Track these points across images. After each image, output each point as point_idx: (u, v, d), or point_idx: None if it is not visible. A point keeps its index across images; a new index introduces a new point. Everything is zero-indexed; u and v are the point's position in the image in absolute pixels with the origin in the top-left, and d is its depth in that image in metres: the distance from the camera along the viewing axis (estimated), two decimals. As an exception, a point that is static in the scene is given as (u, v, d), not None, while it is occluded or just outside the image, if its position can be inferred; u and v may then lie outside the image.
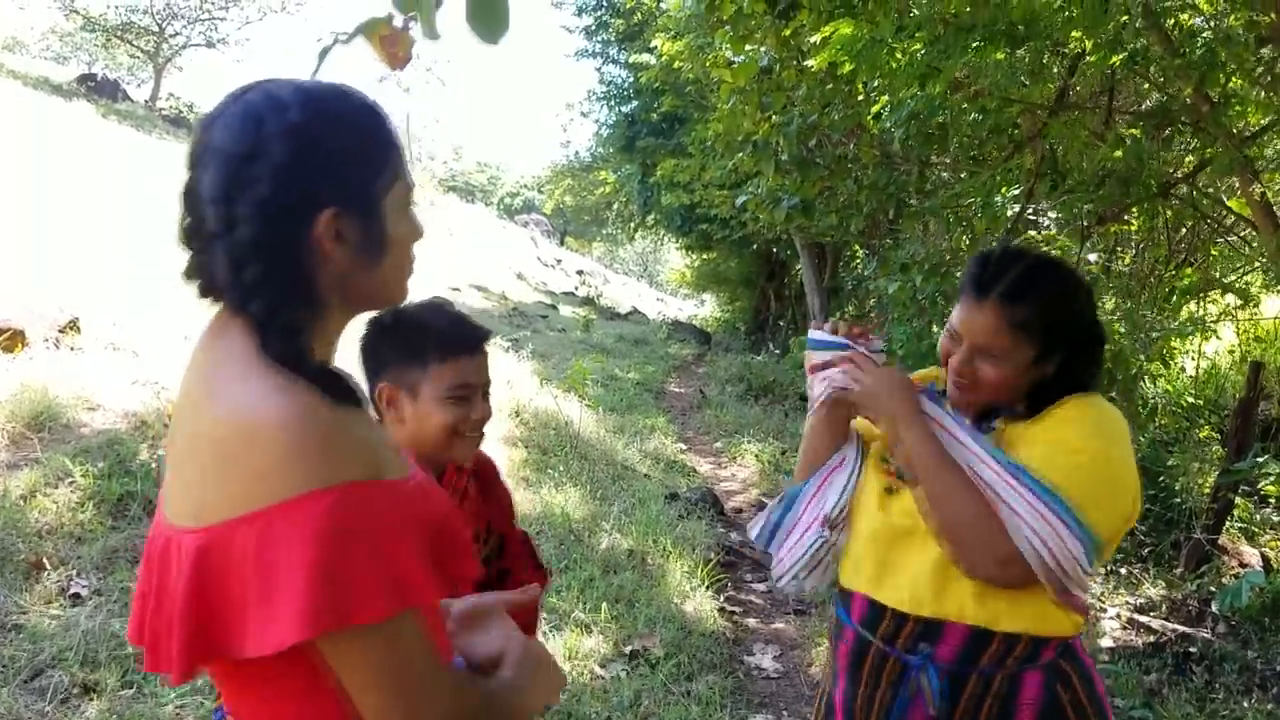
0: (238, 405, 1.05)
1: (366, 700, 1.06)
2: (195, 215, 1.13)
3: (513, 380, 8.96)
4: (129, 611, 1.35)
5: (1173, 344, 7.05)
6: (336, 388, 1.10)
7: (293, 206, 1.10)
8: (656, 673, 3.84)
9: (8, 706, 2.85)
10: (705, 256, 24.08)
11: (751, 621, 4.89)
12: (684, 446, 9.21)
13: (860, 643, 1.80)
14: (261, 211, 1.08)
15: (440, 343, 1.76)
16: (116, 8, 26.16)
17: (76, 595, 3.50)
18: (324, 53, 1.68)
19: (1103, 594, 5.35)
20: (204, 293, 1.15)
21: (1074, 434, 1.67)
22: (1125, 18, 4.40)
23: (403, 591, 1.05)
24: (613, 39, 19.13)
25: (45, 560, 3.62)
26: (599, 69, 20.41)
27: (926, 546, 1.71)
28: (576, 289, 28.51)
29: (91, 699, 2.96)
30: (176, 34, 27.00)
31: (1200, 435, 7.18)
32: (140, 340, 6.18)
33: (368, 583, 1.02)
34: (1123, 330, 6.39)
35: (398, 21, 1.66)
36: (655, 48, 10.26)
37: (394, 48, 1.63)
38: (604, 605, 4.35)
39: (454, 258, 21.17)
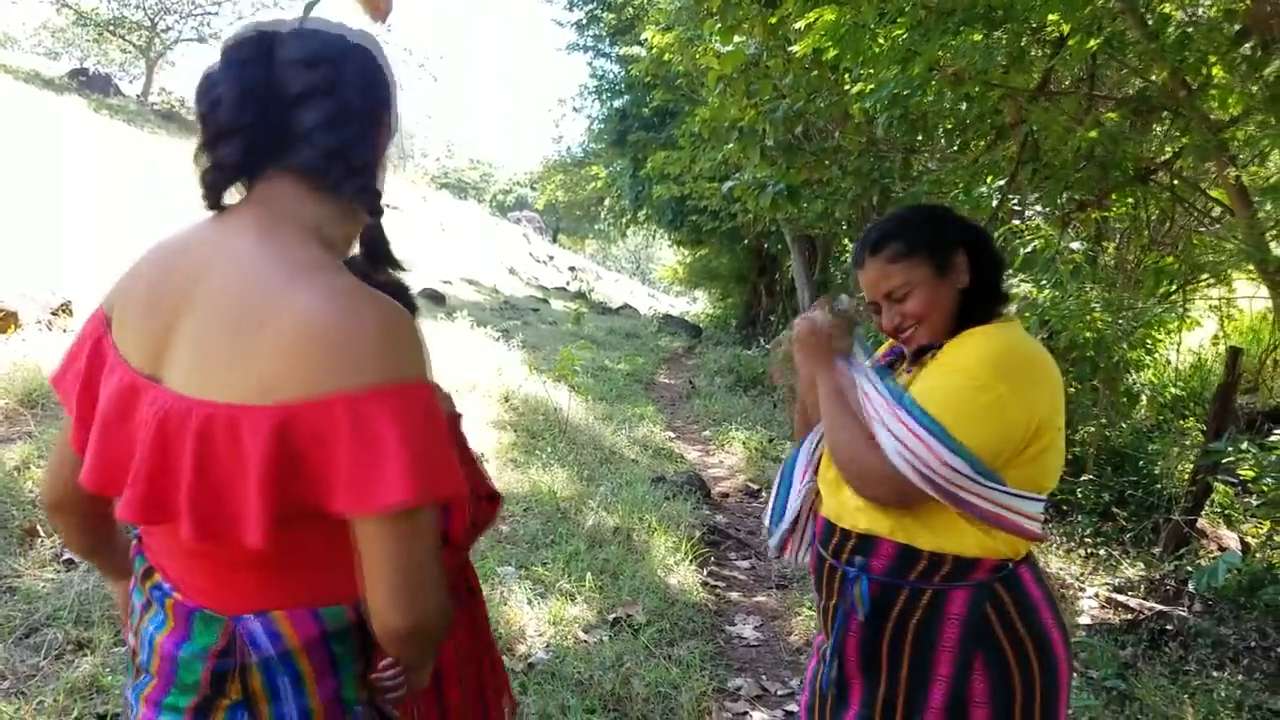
0: (326, 296, 1.14)
1: (390, 585, 1.14)
2: (266, 88, 1.23)
3: (502, 368, 9.03)
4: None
5: (1156, 334, 7.13)
6: (405, 297, 1.29)
7: (375, 86, 1.32)
8: (639, 637, 3.91)
9: (4, 661, 2.91)
10: (697, 252, 24.13)
11: (734, 595, 4.97)
12: (672, 434, 9.29)
13: (819, 557, 1.98)
14: (363, 77, 1.30)
15: None
16: (109, 2, 26.15)
17: (70, 561, 3.56)
18: (310, 5, 1.75)
19: (1081, 574, 5.44)
20: (221, 180, 1.24)
21: (960, 362, 1.79)
22: (1102, 1, 4.48)
23: (459, 480, 1.18)
24: (604, 33, 19.19)
25: (39, 527, 3.69)
26: (590, 63, 20.49)
27: None
28: (568, 284, 28.63)
29: (85, 654, 3.02)
30: (168, 29, 26.96)
31: (1184, 425, 7.26)
32: (132, 323, 6.23)
33: (444, 468, 1.15)
34: (1105, 319, 6.48)
35: (379, -25, 1.73)
36: (646, 40, 10.31)
37: None
38: (589, 576, 4.42)
39: (446, 253, 21.25)
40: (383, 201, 1.36)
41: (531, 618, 3.96)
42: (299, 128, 1.23)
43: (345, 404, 1.09)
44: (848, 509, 1.90)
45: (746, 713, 3.65)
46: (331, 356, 1.10)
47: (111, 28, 26.73)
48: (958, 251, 1.87)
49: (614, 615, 4.14)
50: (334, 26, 1.30)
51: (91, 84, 22.96)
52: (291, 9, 28.46)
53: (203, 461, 1.14)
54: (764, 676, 3.99)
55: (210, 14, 26.91)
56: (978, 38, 4.88)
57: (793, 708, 3.72)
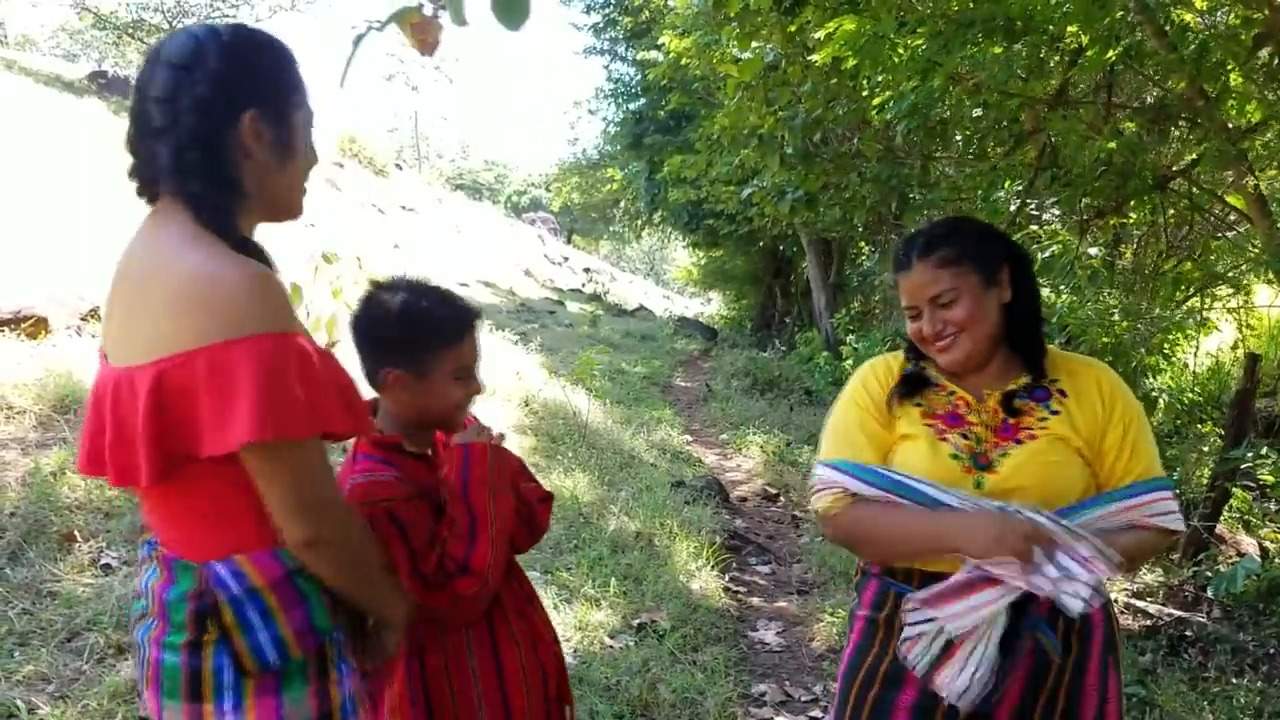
0: (198, 263, 1.33)
1: (282, 506, 1.37)
2: (142, 120, 1.42)
3: (521, 372, 9.09)
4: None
5: (1174, 340, 7.14)
6: (260, 256, 1.44)
7: (224, 103, 1.41)
8: (663, 643, 3.97)
9: (48, 665, 2.99)
10: (712, 254, 24.16)
11: (755, 600, 5.02)
12: (690, 438, 9.34)
13: None
14: (199, 107, 1.38)
15: (446, 331, 1.88)
16: (128, 5, 26.27)
17: (107, 565, 3.64)
18: (359, 39, 1.81)
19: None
20: (142, 190, 1.46)
21: (1129, 409, 1.87)
22: (1120, 12, 4.51)
23: (321, 417, 1.37)
24: (621, 36, 19.23)
25: (76, 533, 3.76)
26: (607, 66, 20.53)
27: None
28: (584, 286, 28.66)
29: (126, 659, 3.09)
30: (187, 32, 27.09)
31: (1203, 430, 7.26)
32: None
33: (297, 406, 1.33)
34: (1124, 324, 6.49)
35: (427, 10, 1.79)
36: (663, 45, 10.35)
37: (424, 34, 1.76)
38: (612, 581, 4.48)
39: (462, 255, 21.32)
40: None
41: (558, 623, 4.00)
42: (160, 163, 1.42)
43: (206, 357, 1.28)
44: None
45: (771, 719, 3.71)
46: (197, 314, 1.29)
47: (130, 30, 26.86)
48: (1004, 266, 1.89)
49: (638, 620, 4.19)
50: (200, 33, 1.43)
51: (111, 86, 23.02)
52: (305, 10, 28.56)
53: (115, 419, 1.35)
54: (788, 682, 4.04)
55: (228, 17, 27.04)
56: (997, 50, 4.91)
57: (817, 714, 3.77)
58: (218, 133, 1.41)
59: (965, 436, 1.89)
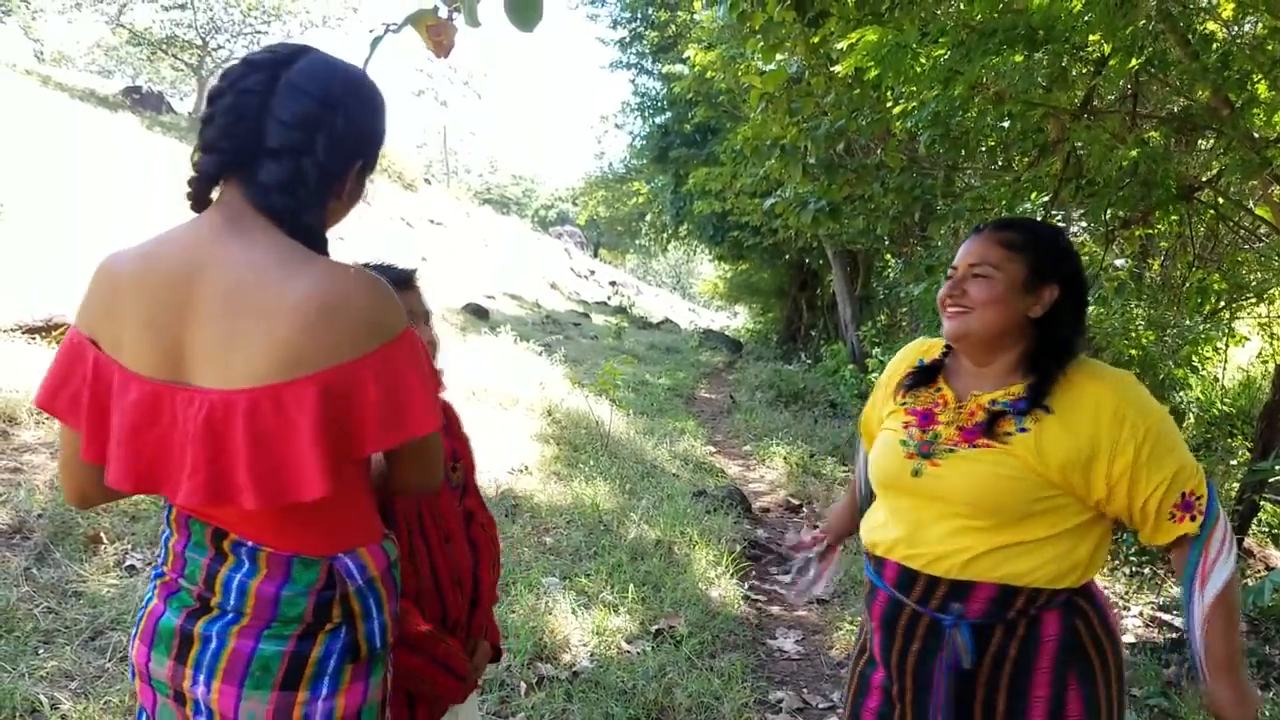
0: (325, 279, 1.34)
1: (415, 475, 1.57)
2: (246, 128, 1.40)
3: (545, 382, 9.14)
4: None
5: (1203, 352, 7.08)
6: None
7: (351, 147, 1.46)
8: (681, 649, 3.96)
9: (72, 662, 3.03)
10: (738, 267, 24.17)
11: (775, 609, 5.01)
12: (713, 449, 9.33)
13: (894, 604, 1.89)
14: (335, 145, 1.42)
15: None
16: (161, 22, 26.73)
17: (132, 567, 3.69)
18: (376, 41, 1.85)
19: (1126, 593, 5.42)
20: (200, 188, 1.44)
21: (1145, 422, 1.74)
22: (1143, 21, 4.49)
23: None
24: (647, 51, 19.28)
25: (103, 535, 3.82)
26: (633, 80, 20.58)
27: (952, 516, 1.81)
28: (609, 299, 28.77)
29: (148, 657, 3.13)
30: (219, 48, 27.46)
31: (1231, 444, 7.19)
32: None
33: (438, 399, 1.47)
34: (1150, 336, 6.45)
35: (442, 12, 1.83)
36: (688, 58, 10.40)
37: (439, 36, 1.80)
38: (631, 588, 4.48)
39: (489, 267, 21.45)
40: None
41: (575, 628, 4.03)
42: (262, 176, 1.40)
43: (374, 363, 1.34)
44: (945, 555, 1.82)
45: (787, 725, 3.70)
46: (348, 324, 1.33)
47: (164, 46, 27.29)
48: (1053, 284, 1.82)
49: (656, 627, 4.19)
50: (338, 73, 1.45)
51: (144, 102, 23.44)
52: (336, 27, 28.92)
53: (257, 440, 1.32)
54: (805, 690, 4.03)
55: (260, 33, 27.42)
56: (1019, 58, 4.90)
57: (834, 720, 3.76)
58: (339, 171, 1.46)
59: (924, 431, 1.89)
